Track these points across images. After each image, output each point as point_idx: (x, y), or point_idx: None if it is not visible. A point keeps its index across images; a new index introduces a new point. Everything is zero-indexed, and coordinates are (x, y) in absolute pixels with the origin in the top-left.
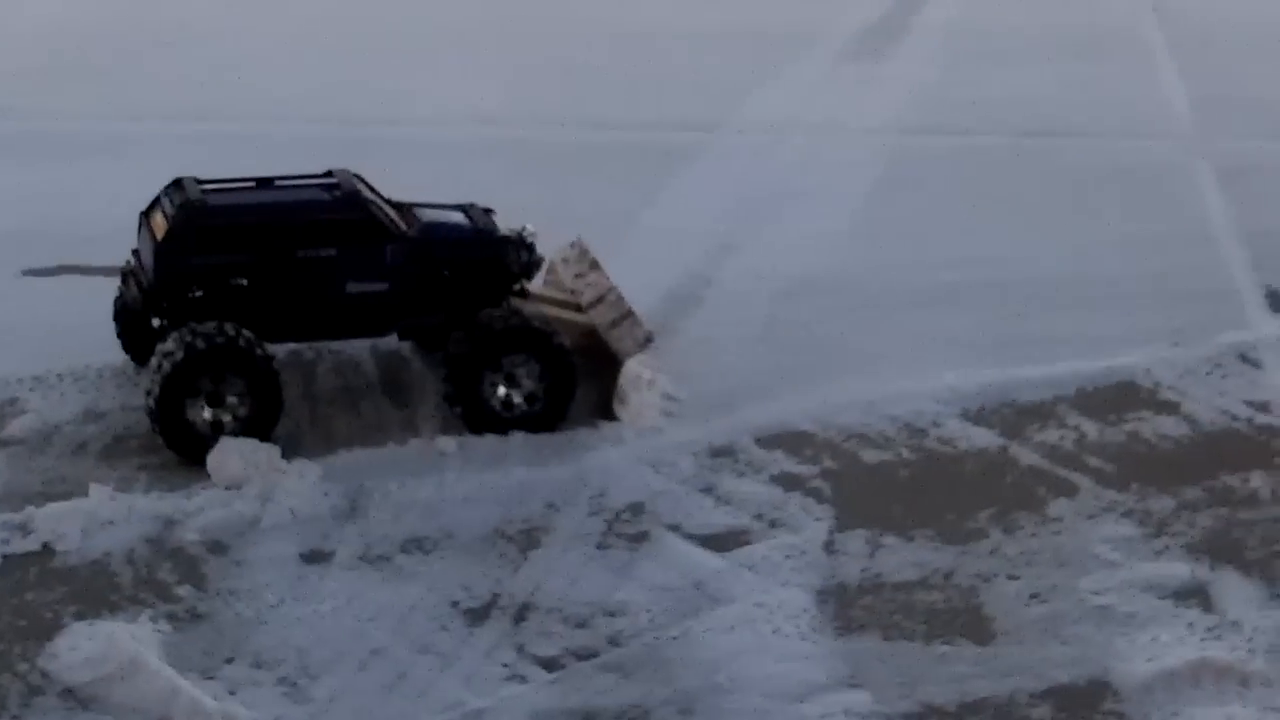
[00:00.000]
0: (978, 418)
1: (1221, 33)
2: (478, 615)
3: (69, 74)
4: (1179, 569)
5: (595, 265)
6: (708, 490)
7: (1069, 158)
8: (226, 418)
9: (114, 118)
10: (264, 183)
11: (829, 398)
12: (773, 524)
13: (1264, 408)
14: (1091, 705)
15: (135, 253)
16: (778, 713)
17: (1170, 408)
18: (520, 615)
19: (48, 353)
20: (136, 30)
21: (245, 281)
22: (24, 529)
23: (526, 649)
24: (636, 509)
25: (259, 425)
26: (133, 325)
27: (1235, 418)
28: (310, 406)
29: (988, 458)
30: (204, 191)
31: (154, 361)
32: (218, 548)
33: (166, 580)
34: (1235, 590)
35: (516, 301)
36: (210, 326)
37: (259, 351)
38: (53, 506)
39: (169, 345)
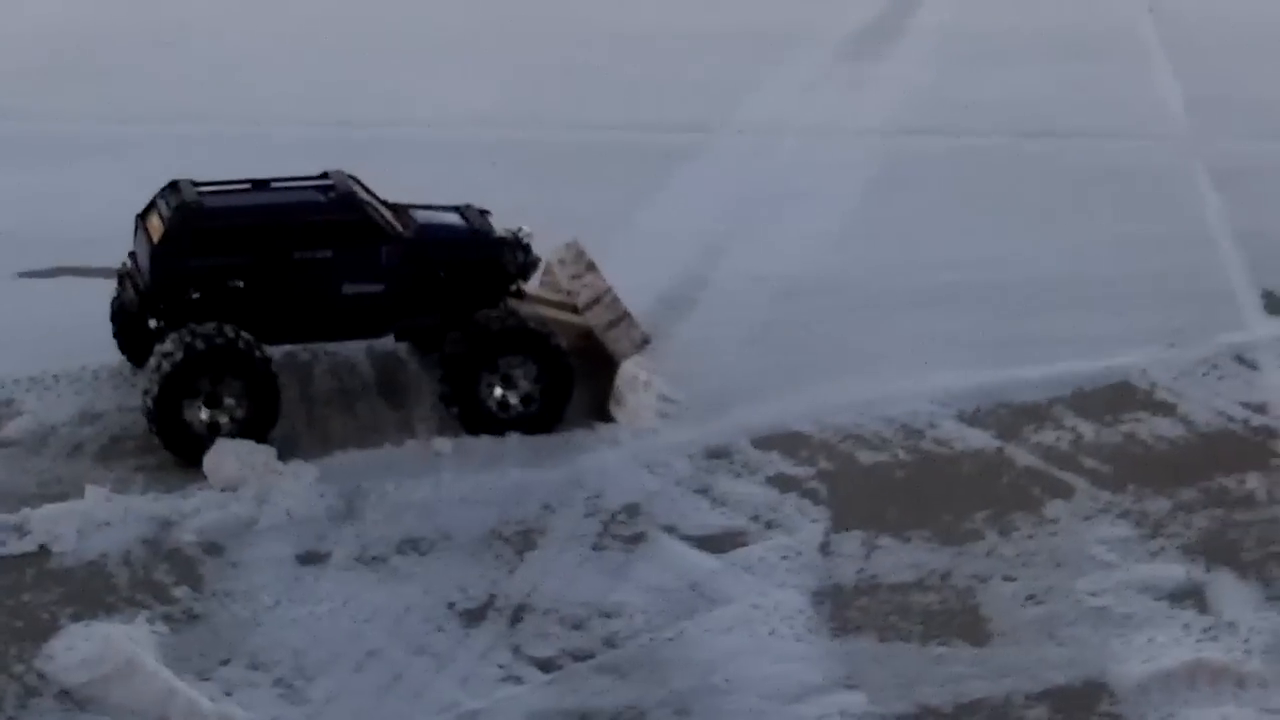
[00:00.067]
0: (974, 419)
1: (1217, 33)
2: (474, 616)
3: (69, 74)
4: (1175, 570)
5: (591, 267)
6: (703, 491)
7: (1065, 159)
8: (224, 419)
9: (113, 119)
10: (259, 185)
11: (825, 399)
12: (769, 525)
13: (1260, 409)
14: (1087, 706)
15: (132, 255)
16: (774, 714)
17: (1166, 409)
18: (516, 616)
19: (44, 354)
20: (136, 30)
21: (241, 283)
22: (20, 530)
23: (522, 650)
24: (632, 510)
25: (256, 427)
26: (130, 327)
27: (1231, 419)
28: (306, 408)
29: (984, 459)
30: (200, 194)
31: (152, 361)
32: (214, 549)
33: (163, 581)
34: (1231, 591)
35: (513, 303)
36: (210, 328)
37: (258, 354)
38: (49, 508)
39: (168, 345)
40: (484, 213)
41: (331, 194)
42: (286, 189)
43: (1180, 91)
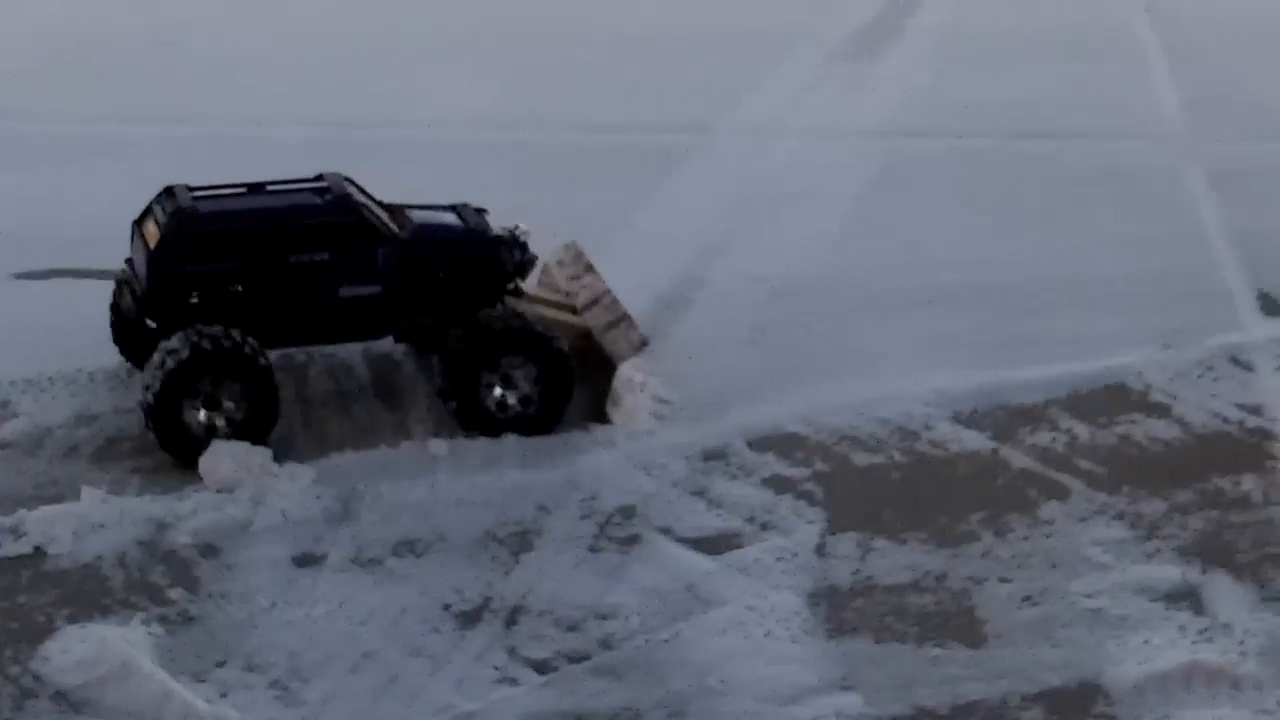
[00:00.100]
0: (969, 420)
1: (1215, 34)
2: (469, 618)
3: (68, 74)
4: (1170, 571)
5: (590, 268)
6: (699, 493)
7: (1064, 159)
8: (221, 421)
9: (113, 119)
10: (255, 188)
11: (821, 400)
12: (764, 527)
13: (1255, 410)
14: (1083, 708)
15: (129, 261)
16: (769, 715)
17: (1162, 410)
18: (512, 618)
19: (40, 356)
20: (136, 30)
21: (239, 287)
22: (16, 532)
23: (518, 652)
24: (628, 512)
25: (253, 431)
26: (129, 331)
27: (1226, 420)
28: (302, 409)
29: (979, 460)
30: (195, 198)
31: (156, 358)
32: (210, 551)
33: (159, 583)
34: (1226, 593)
35: (515, 303)
36: (217, 329)
37: (262, 360)
38: (44, 509)
39: (174, 343)
40: (480, 211)
41: (327, 196)
42: (282, 192)
43: (1177, 92)
